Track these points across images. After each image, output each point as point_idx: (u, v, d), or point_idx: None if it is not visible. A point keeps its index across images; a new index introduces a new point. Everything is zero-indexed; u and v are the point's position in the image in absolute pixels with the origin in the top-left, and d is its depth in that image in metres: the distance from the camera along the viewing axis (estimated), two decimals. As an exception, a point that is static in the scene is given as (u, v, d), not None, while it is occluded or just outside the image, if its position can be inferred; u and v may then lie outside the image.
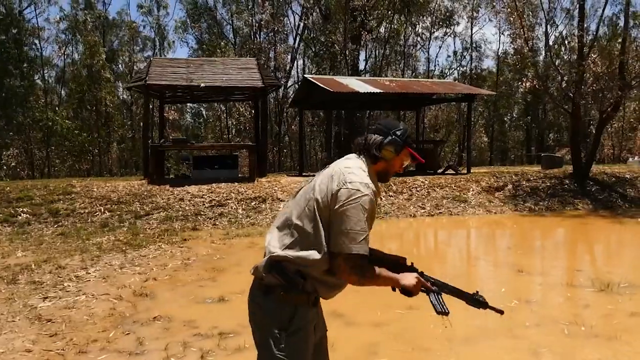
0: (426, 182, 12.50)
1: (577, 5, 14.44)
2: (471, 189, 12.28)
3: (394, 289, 1.99)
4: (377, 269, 1.90)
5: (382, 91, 13.54)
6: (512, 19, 14.82)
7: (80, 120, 26.79)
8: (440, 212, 11.04)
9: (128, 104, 31.04)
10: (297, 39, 28.86)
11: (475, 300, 2.03)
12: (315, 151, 32.29)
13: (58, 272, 6.13)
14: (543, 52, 25.51)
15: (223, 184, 11.71)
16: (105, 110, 27.09)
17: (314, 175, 2.05)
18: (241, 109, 25.88)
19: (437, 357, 3.63)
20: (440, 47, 51.87)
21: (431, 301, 1.99)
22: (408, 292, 1.96)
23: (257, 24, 26.95)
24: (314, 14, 28.00)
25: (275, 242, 1.91)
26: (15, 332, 4.14)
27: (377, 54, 29.42)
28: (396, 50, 29.72)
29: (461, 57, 32.86)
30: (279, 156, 27.36)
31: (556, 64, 16.40)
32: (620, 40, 13.94)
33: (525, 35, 14.39)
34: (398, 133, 1.99)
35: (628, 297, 4.97)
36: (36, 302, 4.94)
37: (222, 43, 27.29)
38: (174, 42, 36.66)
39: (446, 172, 14.73)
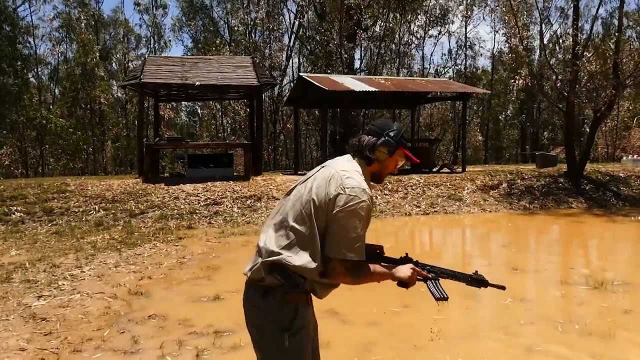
0: (421, 180, 12.55)
1: (572, 5, 14.51)
2: (466, 188, 12.33)
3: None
4: (372, 266, 1.90)
5: (377, 90, 13.56)
6: (507, 17, 14.86)
7: (74, 118, 26.60)
8: (435, 211, 11.08)
9: (123, 102, 30.86)
10: (293, 37, 28.81)
11: (475, 280, 2.03)
12: (311, 150, 32.26)
13: (52, 270, 6.12)
14: (538, 51, 25.59)
15: (218, 182, 11.71)
16: (99, 108, 26.94)
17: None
18: (236, 108, 25.80)
19: (431, 355, 3.64)
20: (435, 45, 51.86)
21: (429, 289, 1.98)
22: (404, 283, 1.96)
23: (252, 22, 26.88)
24: (309, 12, 27.97)
25: (271, 243, 1.90)
26: (10, 331, 4.13)
27: (372, 52, 29.41)
28: (391, 48, 29.73)
29: (456, 56, 32.96)
30: (274, 155, 27.31)
31: (551, 62, 16.45)
32: (614, 39, 14.00)
33: (520, 35, 14.44)
34: (391, 134, 1.98)
35: (622, 295, 5.01)
36: (30, 300, 4.93)
37: (217, 41, 27.20)
38: (170, 40, 36.51)
39: (441, 171, 14.77)
